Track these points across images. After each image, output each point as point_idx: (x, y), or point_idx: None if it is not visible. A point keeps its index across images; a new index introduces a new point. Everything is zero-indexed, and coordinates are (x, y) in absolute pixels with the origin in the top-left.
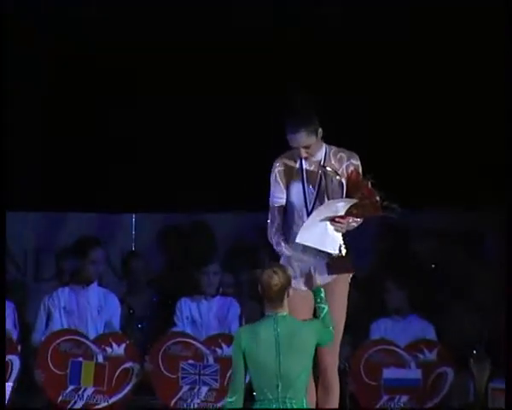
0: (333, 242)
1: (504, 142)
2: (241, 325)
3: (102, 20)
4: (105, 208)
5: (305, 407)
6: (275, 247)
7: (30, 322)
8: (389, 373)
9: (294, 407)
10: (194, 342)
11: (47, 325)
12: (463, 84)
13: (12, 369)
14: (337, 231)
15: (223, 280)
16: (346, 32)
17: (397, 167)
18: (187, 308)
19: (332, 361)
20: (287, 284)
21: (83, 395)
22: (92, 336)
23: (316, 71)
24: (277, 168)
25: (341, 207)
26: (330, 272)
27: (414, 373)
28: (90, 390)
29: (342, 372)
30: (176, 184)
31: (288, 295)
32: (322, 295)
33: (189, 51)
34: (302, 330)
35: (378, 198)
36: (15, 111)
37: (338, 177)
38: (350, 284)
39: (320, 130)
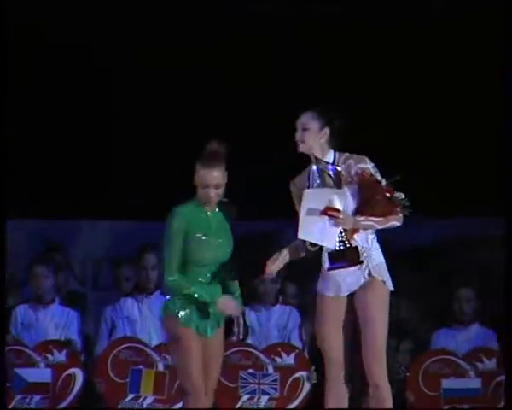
0: (331, 236)
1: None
2: (300, 334)
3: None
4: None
5: None
6: None
7: (90, 332)
8: (448, 383)
9: None
10: (253, 352)
11: (110, 335)
12: (468, 98)
13: (75, 381)
14: (334, 225)
15: (285, 290)
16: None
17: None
18: (246, 317)
19: (381, 373)
20: None
21: (142, 404)
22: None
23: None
24: (291, 190)
25: (336, 199)
26: (329, 268)
27: (473, 383)
28: (149, 399)
29: (402, 381)
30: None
31: None
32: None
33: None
34: None
35: (392, 195)
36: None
37: (331, 173)
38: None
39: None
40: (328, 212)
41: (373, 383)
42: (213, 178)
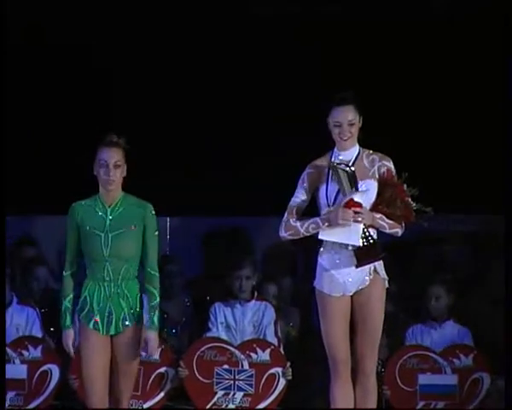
0: (354, 234)
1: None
2: (276, 330)
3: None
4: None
5: None
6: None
7: None
8: (425, 379)
9: None
10: (228, 348)
11: None
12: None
13: (51, 377)
14: (357, 221)
15: (260, 285)
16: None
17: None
18: (221, 313)
19: (373, 365)
20: None
21: None
22: None
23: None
24: (306, 171)
25: (356, 196)
26: (358, 265)
27: (450, 379)
28: None
29: (378, 375)
30: (212, 187)
31: None
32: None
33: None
34: None
35: (411, 200)
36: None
37: (348, 169)
38: (387, 290)
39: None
40: (352, 207)
41: (364, 372)
42: (112, 157)
